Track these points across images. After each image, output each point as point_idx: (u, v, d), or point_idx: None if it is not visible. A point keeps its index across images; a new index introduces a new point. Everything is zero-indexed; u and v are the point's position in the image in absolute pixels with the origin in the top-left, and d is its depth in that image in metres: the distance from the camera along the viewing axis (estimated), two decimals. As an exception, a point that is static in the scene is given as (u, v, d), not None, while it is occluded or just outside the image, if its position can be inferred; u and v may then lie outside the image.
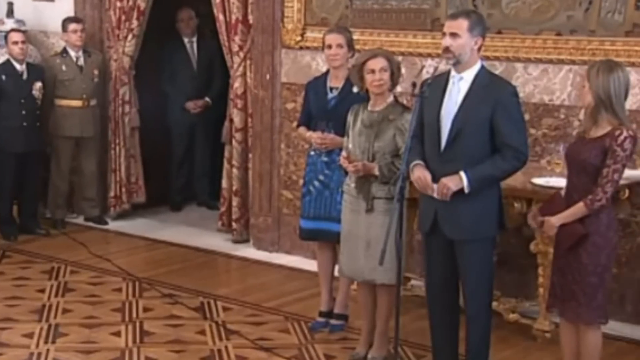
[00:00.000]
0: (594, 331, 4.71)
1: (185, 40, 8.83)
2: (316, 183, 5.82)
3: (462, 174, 4.64)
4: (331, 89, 5.81)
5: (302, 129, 5.97)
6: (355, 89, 5.59)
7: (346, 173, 5.40)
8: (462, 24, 4.63)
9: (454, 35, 4.64)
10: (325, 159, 5.77)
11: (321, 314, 5.99)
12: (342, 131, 5.51)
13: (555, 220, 4.62)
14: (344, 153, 5.34)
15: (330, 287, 5.97)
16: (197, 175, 9.08)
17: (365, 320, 5.53)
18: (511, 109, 4.65)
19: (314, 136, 5.78)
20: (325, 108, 5.78)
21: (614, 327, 5.20)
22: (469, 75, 4.70)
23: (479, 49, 4.71)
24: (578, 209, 4.56)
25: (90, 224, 8.44)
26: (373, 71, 5.19)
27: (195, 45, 8.87)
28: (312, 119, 5.88)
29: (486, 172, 4.66)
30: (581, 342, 4.73)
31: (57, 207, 8.33)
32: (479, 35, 4.67)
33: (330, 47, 5.74)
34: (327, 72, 5.92)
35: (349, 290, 5.92)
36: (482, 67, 4.74)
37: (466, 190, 4.64)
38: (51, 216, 8.34)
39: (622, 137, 4.46)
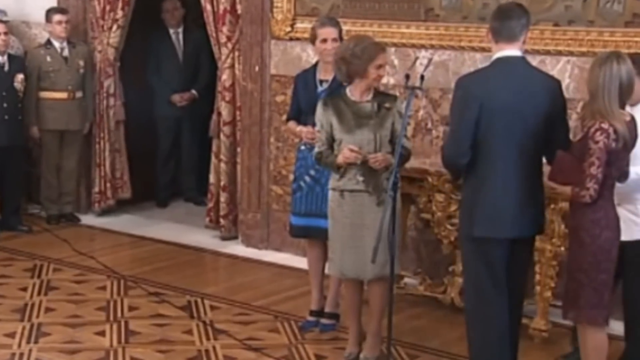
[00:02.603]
0: (591, 332, 4.64)
1: (171, 31, 8.76)
2: (307, 178, 5.74)
3: None
4: (321, 81, 5.74)
5: (291, 123, 5.89)
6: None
7: (338, 168, 5.23)
8: None
9: None
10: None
11: (312, 313, 5.93)
12: None
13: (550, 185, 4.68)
14: (350, 146, 5.13)
15: (321, 286, 5.92)
16: (184, 170, 9.03)
17: (353, 320, 5.47)
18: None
19: (304, 130, 5.69)
20: (315, 101, 5.66)
21: (613, 326, 5.10)
22: None
23: (496, 40, 4.70)
24: (564, 191, 4.63)
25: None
26: (381, 66, 5.18)
27: (181, 36, 8.80)
28: (302, 113, 5.80)
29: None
30: (580, 341, 4.67)
31: (50, 202, 8.29)
32: (489, 28, 4.75)
33: (325, 41, 5.66)
34: (316, 64, 5.84)
35: (339, 288, 5.85)
36: (497, 58, 4.70)
37: None
38: (44, 212, 8.31)
39: (592, 130, 4.43)
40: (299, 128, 5.76)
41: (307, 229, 5.77)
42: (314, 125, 5.57)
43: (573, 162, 4.51)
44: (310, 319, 5.90)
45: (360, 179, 5.18)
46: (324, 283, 5.91)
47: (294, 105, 5.90)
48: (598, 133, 4.40)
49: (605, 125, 4.41)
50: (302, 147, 5.80)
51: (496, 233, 4.67)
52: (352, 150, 5.12)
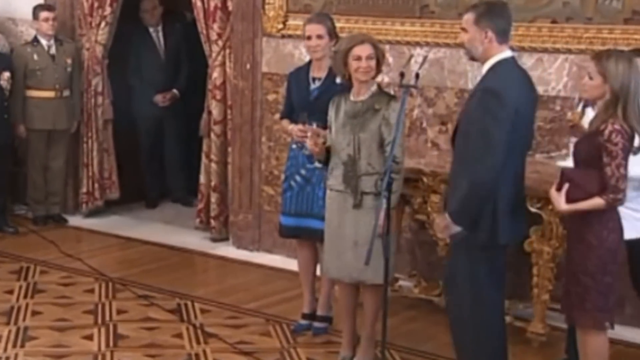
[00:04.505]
0: (593, 336, 4.56)
1: (151, 29, 8.67)
2: (297, 178, 5.69)
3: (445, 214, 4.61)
4: (314, 79, 5.69)
5: (285, 122, 5.85)
6: (338, 80, 5.48)
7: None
8: (469, 18, 4.61)
9: (463, 30, 4.65)
10: (307, 152, 5.61)
11: (304, 316, 5.88)
12: (325, 123, 5.38)
13: (567, 208, 4.46)
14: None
15: (312, 288, 5.88)
16: (171, 170, 8.95)
17: (347, 323, 5.43)
18: (474, 115, 4.48)
19: (295, 129, 5.65)
20: (307, 99, 5.66)
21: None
22: (485, 69, 4.64)
23: (500, 42, 4.55)
24: (596, 204, 4.40)
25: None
26: (360, 58, 5.08)
27: (161, 34, 8.71)
28: (295, 111, 5.75)
29: (457, 199, 4.51)
30: (579, 345, 4.60)
31: (36, 203, 8.24)
32: (489, 27, 4.55)
33: (310, 38, 5.62)
34: (310, 62, 5.79)
35: (331, 290, 5.81)
36: (497, 62, 4.57)
37: (458, 230, 4.54)
38: (31, 213, 8.26)
39: (607, 132, 4.35)
40: (291, 126, 5.71)
41: (297, 229, 5.72)
42: (304, 123, 5.53)
43: (586, 173, 4.42)
44: (303, 322, 5.85)
45: (339, 178, 5.15)
46: (315, 285, 5.86)
47: (288, 103, 5.86)
48: (614, 135, 4.33)
49: (617, 126, 4.34)
50: (293, 146, 5.75)
51: (516, 239, 4.67)
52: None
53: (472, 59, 4.68)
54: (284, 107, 5.94)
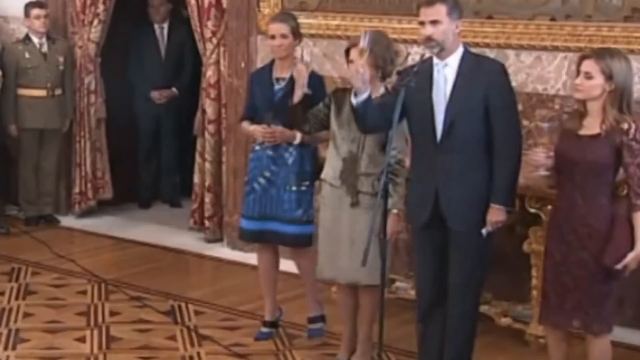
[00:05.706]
0: (602, 340, 4.54)
1: (155, 26, 8.65)
2: (261, 180, 5.59)
3: (494, 205, 4.60)
4: (277, 79, 5.59)
5: (245, 124, 5.71)
6: None
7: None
8: (441, 10, 4.60)
9: (434, 22, 4.60)
10: (270, 153, 5.54)
11: (266, 324, 5.80)
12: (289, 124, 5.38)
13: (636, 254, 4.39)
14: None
15: (274, 294, 5.81)
16: (165, 170, 8.91)
17: (346, 325, 5.39)
18: (503, 91, 4.62)
19: (259, 130, 5.54)
20: (271, 100, 5.55)
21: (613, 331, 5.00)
22: (453, 61, 4.64)
23: (459, 34, 4.71)
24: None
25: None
26: (352, 61, 5.06)
27: (165, 31, 8.68)
28: (258, 112, 5.64)
29: (506, 180, 4.62)
30: (589, 354, 4.56)
31: (28, 203, 8.21)
32: (458, 19, 4.67)
33: (274, 37, 5.55)
34: (273, 61, 5.69)
35: (316, 287, 5.73)
36: (465, 50, 4.68)
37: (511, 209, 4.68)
38: (22, 213, 8.24)
39: (632, 131, 4.31)
40: (253, 127, 5.59)
41: (261, 233, 5.61)
42: (269, 124, 5.47)
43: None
44: (265, 329, 5.76)
45: (337, 174, 5.11)
46: (276, 291, 5.82)
47: (250, 105, 5.73)
48: (639, 133, 4.30)
49: (636, 124, 4.32)
50: (257, 148, 5.64)
51: None
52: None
53: (439, 51, 4.60)
54: (245, 109, 5.81)
